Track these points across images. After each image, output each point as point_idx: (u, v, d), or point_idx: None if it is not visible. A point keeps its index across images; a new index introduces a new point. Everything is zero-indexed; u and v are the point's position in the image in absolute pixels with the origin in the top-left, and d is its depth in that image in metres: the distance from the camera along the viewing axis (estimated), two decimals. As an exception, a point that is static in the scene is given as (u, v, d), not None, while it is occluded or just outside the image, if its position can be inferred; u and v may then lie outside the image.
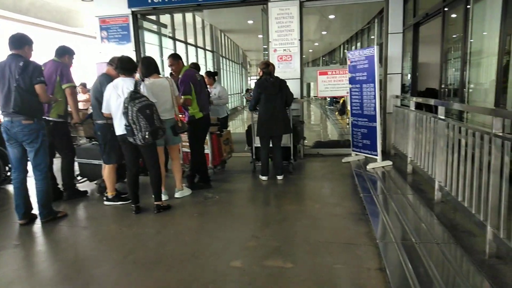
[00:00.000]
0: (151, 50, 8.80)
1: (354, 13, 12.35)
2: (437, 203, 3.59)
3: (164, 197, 4.06)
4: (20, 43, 3.42)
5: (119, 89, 3.62)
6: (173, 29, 9.93)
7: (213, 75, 6.09)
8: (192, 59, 11.96)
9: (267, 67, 4.73)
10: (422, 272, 2.30)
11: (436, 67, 7.80)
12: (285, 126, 4.76)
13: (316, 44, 21.41)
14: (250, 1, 6.28)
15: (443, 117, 3.56)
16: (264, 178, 4.88)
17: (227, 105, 6.69)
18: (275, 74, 4.88)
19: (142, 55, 6.67)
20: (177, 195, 4.26)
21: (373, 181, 4.56)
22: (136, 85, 3.64)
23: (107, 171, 4.04)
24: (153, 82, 3.95)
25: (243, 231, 3.21)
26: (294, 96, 5.81)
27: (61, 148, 4.27)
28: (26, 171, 3.60)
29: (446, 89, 6.98)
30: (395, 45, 5.92)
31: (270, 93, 4.70)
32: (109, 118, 3.86)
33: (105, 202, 4.10)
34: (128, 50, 6.60)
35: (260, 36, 5.66)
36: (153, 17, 7.96)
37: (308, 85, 19.11)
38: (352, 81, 5.54)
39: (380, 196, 3.91)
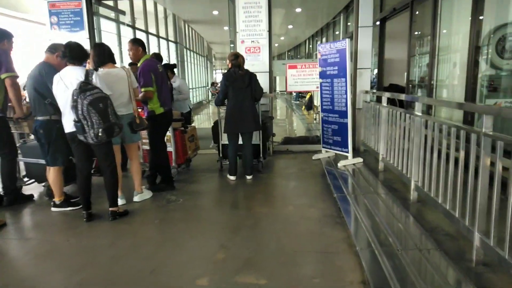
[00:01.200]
0: (108, 38, 8.20)
1: (320, 7, 12.26)
2: (413, 203, 3.44)
3: (120, 202, 3.66)
4: None
5: (67, 80, 3.15)
6: (133, 17, 9.31)
7: (171, 68, 5.65)
8: (154, 50, 11.34)
9: (236, 59, 4.40)
10: (409, 285, 2.10)
11: (399, 63, 7.85)
12: (255, 123, 4.47)
13: (282, 38, 21.29)
14: (216, -12, 5.90)
15: (419, 114, 3.42)
16: (232, 177, 4.56)
17: (189, 99, 6.29)
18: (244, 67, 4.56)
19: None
20: (136, 198, 3.85)
21: (345, 179, 4.38)
22: (88, 75, 3.19)
23: (52, 174, 3.55)
24: (108, 73, 3.51)
25: (210, 240, 2.89)
26: (263, 91, 5.55)
27: (0, 146, 3.71)
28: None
29: (411, 85, 7.01)
30: (365, 39, 5.78)
31: (239, 87, 4.38)
32: (53, 114, 3.39)
33: (53, 209, 3.61)
34: (81, 37, 6.00)
35: (226, 28, 5.35)
36: (111, 3, 7.38)
37: (274, 79, 18.97)
38: (322, 75, 5.33)
39: (354, 196, 3.72)
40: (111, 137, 3.22)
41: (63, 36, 5.95)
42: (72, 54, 3.22)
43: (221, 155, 5.06)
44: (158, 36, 11.64)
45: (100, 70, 3.55)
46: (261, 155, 4.99)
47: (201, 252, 2.67)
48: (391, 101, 4.94)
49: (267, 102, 5.88)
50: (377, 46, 8.08)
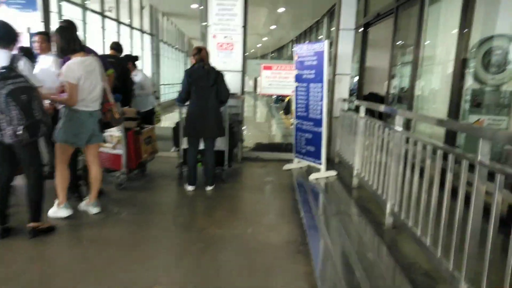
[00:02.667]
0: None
1: (304, 8, 11.89)
2: (387, 229, 3.03)
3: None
4: None
5: (-15, 65, 2.57)
6: (102, 4, 8.63)
7: (133, 60, 5.08)
8: (125, 41, 10.66)
9: (199, 53, 3.89)
10: None
11: (380, 72, 7.53)
12: (218, 128, 3.97)
13: (265, 39, 20.83)
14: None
15: (400, 128, 3.01)
16: (190, 188, 4.04)
17: (155, 96, 5.73)
18: (212, 65, 4.05)
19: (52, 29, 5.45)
20: (83, 206, 3.30)
21: (316, 195, 3.95)
22: (14, 60, 2.63)
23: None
24: (82, 62, 2.96)
25: (145, 272, 2.35)
26: (233, 91, 5.08)
27: None
28: None
29: (390, 95, 6.68)
30: (346, 43, 5.39)
31: (203, 86, 3.87)
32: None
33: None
34: (34, 20, 5.36)
35: (205, 23, 4.90)
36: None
37: (255, 80, 18.48)
38: (298, 79, 4.89)
39: (323, 217, 3.28)
40: (35, 137, 2.65)
41: (13, 16, 5.28)
42: None
43: (182, 161, 4.53)
44: (130, 27, 10.95)
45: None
46: (225, 163, 4.50)
47: (127, 290, 2.15)
48: (369, 110, 4.58)
49: (238, 104, 5.39)
50: (359, 53, 7.75)
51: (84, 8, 7.37)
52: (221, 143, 4.41)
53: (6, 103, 2.46)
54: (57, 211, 3.12)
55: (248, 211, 3.61)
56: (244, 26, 5.29)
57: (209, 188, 4.07)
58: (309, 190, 4.06)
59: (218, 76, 3.94)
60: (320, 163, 4.61)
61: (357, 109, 5.40)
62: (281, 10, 12.04)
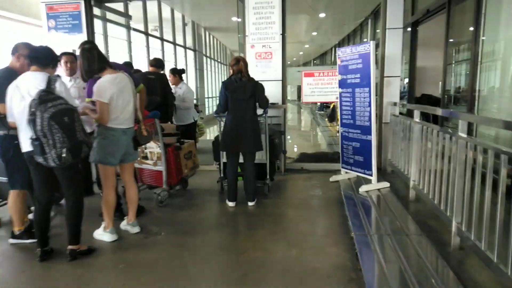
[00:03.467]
0: (118, 45, 7.85)
1: (346, 11, 11.48)
2: (454, 251, 2.63)
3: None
4: None
5: (24, 87, 2.59)
6: (146, 23, 8.90)
7: (179, 73, 5.13)
8: (169, 58, 10.93)
9: (237, 63, 3.73)
10: None
11: (433, 72, 6.97)
12: (255, 142, 3.76)
13: (307, 46, 20.54)
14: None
15: (464, 135, 2.61)
16: (231, 204, 3.87)
17: (197, 110, 5.70)
18: (251, 76, 3.87)
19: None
20: (123, 225, 3.26)
21: (368, 210, 3.59)
22: (50, 82, 2.63)
23: (11, 198, 2.99)
24: (113, 79, 2.89)
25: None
26: (275, 101, 4.90)
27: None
28: None
29: (446, 96, 6.13)
30: (394, 43, 4.97)
31: (240, 98, 3.71)
32: (13, 128, 2.83)
33: (10, 240, 3.04)
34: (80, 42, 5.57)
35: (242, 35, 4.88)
36: (117, 6, 6.93)
37: (298, 88, 18.16)
38: (342, 84, 4.57)
39: (377, 237, 2.93)
40: (77, 159, 2.64)
41: (61, 40, 5.54)
42: (34, 54, 2.69)
43: (222, 175, 4.39)
44: (174, 44, 11.21)
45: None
46: (267, 176, 4.28)
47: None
48: (422, 114, 4.17)
49: (279, 115, 5.18)
50: (408, 54, 7.24)
51: (129, 28, 7.61)
52: (262, 156, 4.21)
53: (49, 127, 2.45)
54: (102, 234, 3.08)
55: (291, 230, 3.34)
56: (283, 34, 5.10)
57: (250, 204, 3.87)
58: (359, 205, 3.71)
59: (256, 87, 3.76)
60: (370, 174, 4.24)
61: (409, 113, 4.96)
62: (321, 15, 11.73)
